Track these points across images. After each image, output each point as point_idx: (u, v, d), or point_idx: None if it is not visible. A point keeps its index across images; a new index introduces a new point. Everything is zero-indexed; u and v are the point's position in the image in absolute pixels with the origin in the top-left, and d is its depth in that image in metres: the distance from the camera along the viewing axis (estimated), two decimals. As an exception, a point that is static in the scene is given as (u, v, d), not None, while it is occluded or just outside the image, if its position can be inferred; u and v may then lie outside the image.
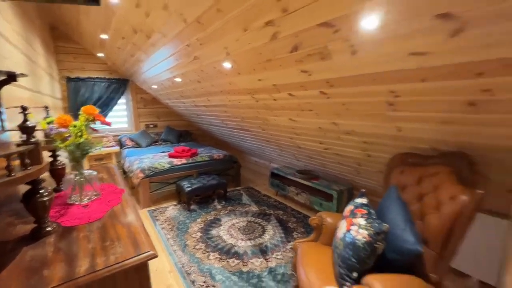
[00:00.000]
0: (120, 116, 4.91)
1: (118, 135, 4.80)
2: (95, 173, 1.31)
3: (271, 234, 2.67)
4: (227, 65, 2.02)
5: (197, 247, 2.45)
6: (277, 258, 2.26)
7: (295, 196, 3.33)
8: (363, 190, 1.55)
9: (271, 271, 2.09)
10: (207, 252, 2.36)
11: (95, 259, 0.70)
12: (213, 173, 3.87)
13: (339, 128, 2.02)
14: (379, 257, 1.24)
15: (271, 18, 1.26)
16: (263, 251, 2.36)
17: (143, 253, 0.72)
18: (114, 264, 0.66)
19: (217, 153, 4.15)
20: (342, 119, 1.88)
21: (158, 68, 3.00)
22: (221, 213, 3.20)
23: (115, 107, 4.71)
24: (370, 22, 1.01)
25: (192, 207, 3.37)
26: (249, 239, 2.56)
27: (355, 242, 1.25)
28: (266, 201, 3.59)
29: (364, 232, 1.23)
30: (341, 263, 1.31)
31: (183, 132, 5.36)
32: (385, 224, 1.21)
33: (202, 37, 1.75)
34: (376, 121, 1.66)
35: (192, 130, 5.65)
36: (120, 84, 4.63)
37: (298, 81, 1.70)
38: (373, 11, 0.96)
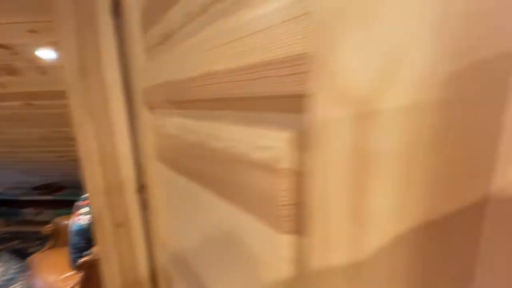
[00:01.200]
0: None
1: None
2: None
3: (0, 271, 2.21)
4: None
5: None
6: (13, 291, 1.98)
7: (35, 217, 2.89)
8: (91, 185, 1.85)
9: (3, 308, 1.81)
10: None
11: None
12: None
13: (67, 135, 2.12)
14: (105, 230, 1.62)
15: None
16: (-12, 295, 1.94)
17: None
18: None
19: None
20: (64, 127, 2.00)
21: None
22: None
23: None
24: (46, 54, 1.28)
25: None
26: (-40, 293, 1.95)
27: (82, 228, 1.54)
28: (-12, 238, 2.76)
29: (87, 216, 1.55)
30: (73, 250, 1.55)
31: None
32: (102, 205, 1.61)
33: None
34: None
35: None
36: None
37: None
38: (48, 47, 1.24)
